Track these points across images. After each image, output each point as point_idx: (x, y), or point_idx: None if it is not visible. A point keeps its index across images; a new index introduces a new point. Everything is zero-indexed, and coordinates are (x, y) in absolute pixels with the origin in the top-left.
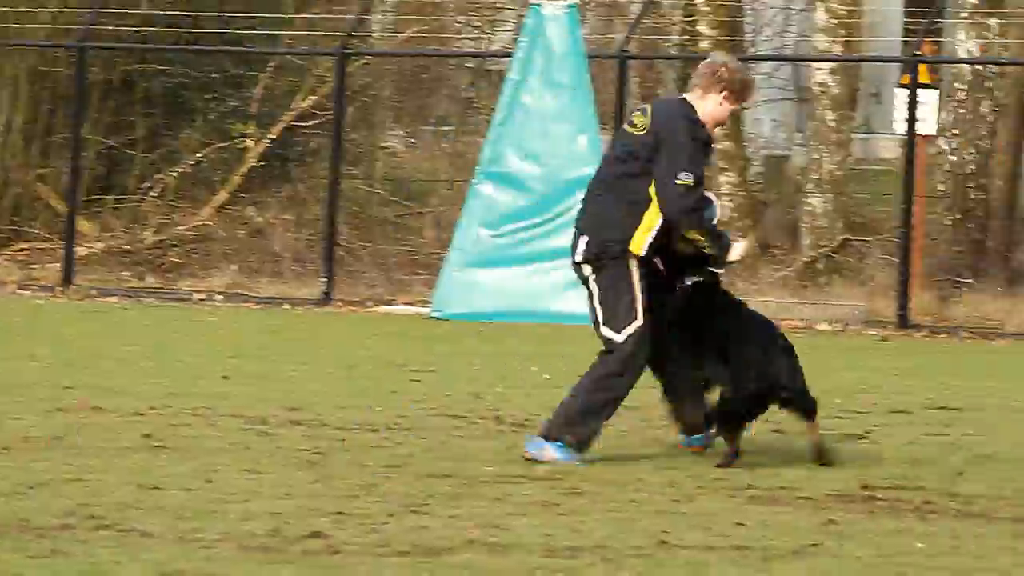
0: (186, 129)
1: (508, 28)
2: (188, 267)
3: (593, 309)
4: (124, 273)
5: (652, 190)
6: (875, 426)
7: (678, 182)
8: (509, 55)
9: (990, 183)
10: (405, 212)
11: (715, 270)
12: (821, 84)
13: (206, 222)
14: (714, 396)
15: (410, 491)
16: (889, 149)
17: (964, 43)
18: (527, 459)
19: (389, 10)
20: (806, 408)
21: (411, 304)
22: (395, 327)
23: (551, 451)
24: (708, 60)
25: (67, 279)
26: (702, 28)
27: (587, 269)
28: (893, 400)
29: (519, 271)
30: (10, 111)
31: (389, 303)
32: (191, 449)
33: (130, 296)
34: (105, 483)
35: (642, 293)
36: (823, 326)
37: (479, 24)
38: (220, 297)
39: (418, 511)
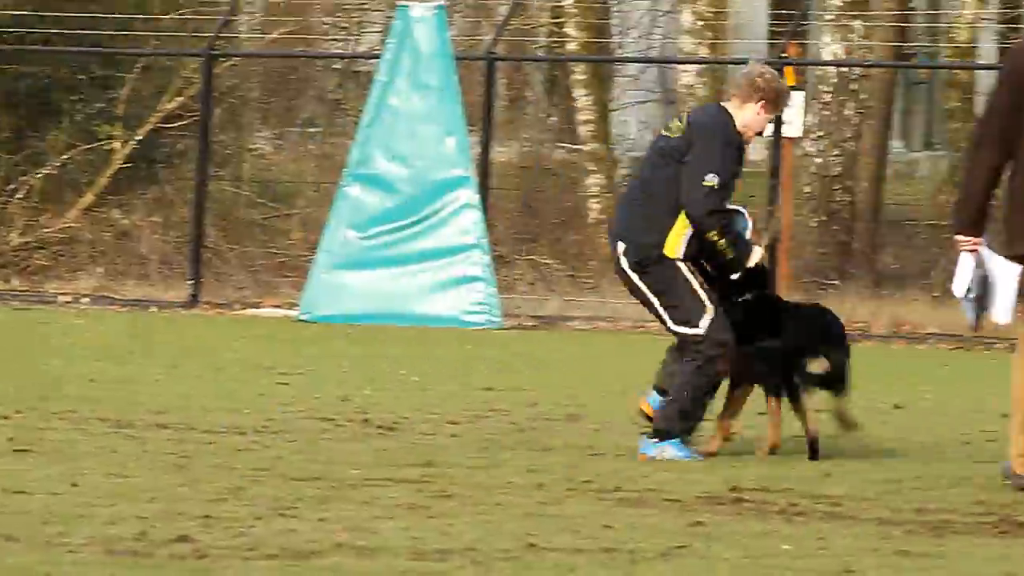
0: (52, 130)
1: (376, 30)
2: (54, 269)
3: (657, 314)
4: None
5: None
6: (742, 428)
7: (705, 183)
8: (377, 56)
9: (856, 185)
10: (273, 214)
11: (732, 276)
12: (687, 86)
13: (72, 224)
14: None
15: (278, 494)
16: (755, 151)
17: (829, 45)
18: (644, 460)
19: (257, 11)
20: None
21: (279, 306)
22: (263, 330)
23: (671, 450)
24: (745, 70)
25: None
26: (569, 30)
27: (634, 276)
28: (760, 402)
29: (387, 273)
30: None
31: (256, 305)
32: (57, 453)
33: None
34: None
35: (699, 282)
36: None
37: (346, 26)
38: (86, 300)
39: (286, 514)
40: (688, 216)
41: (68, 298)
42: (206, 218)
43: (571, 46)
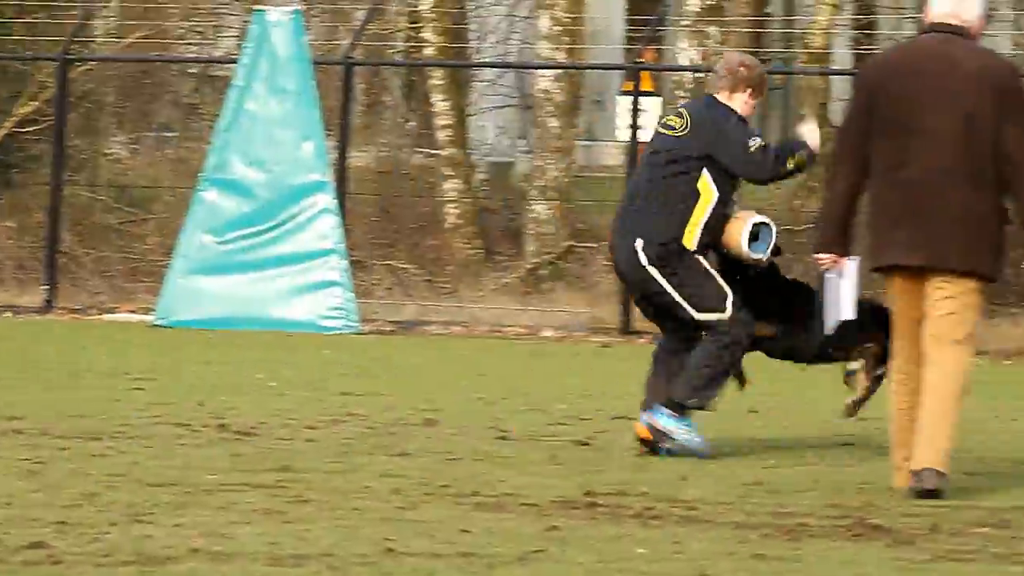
0: None
1: (232, 34)
2: None
3: (680, 307)
4: None
5: (700, 185)
6: (598, 432)
7: (751, 149)
8: (234, 61)
9: None
10: (128, 219)
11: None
12: (545, 91)
13: None
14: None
15: (134, 500)
16: (612, 156)
17: (685, 51)
18: (643, 437)
19: (112, 15)
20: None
21: (135, 312)
22: (119, 335)
23: (683, 433)
24: (723, 62)
25: None
26: (427, 35)
27: (654, 271)
28: (616, 406)
29: (244, 278)
30: None
31: (112, 311)
32: None
33: None
34: None
35: (717, 272)
36: (547, 332)
37: (203, 30)
38: None
39: (142, 520)
40: (764, 182)
41: None
42: (61, 223)
43: (429, 51)
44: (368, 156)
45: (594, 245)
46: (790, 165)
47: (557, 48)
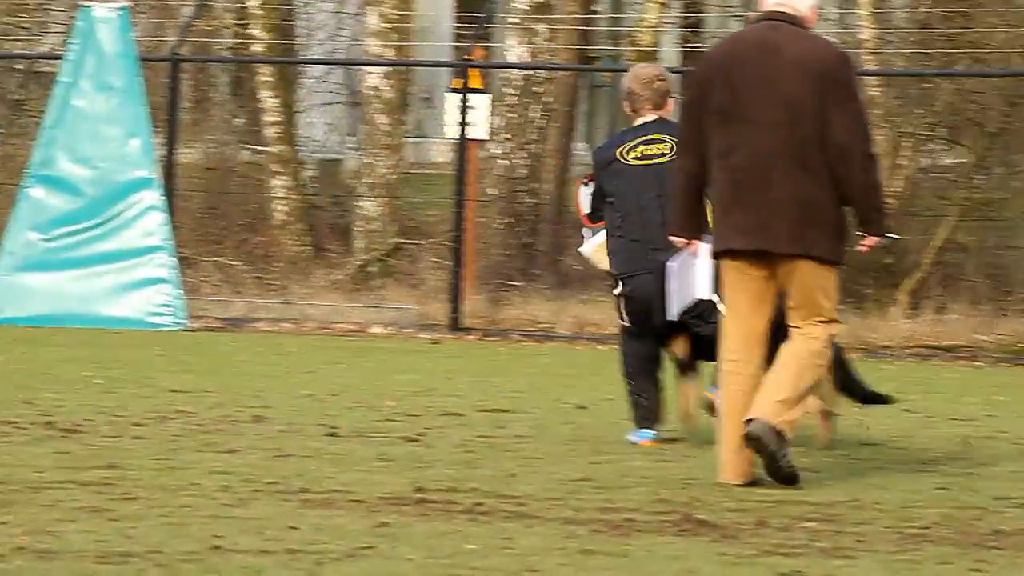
0: None
1: (58, 30)
2: None
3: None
4: None
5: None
6: (428, 429)
7: None
8: (59, 57)
9: (540, 187)
10: None
11: None
12: (373, 88)
13: None
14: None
15: None
16: (441, 153)
17: (514, 48)
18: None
19: None
20: None
21: None
22: None
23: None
24: (641, 79)
25: None
26: (254, 31)
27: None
28: (445, 403)
29: (70, 275)
30: None
31: None
32: None
33: None
34: None
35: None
36: (376, 329)
37: (28, 26)
38: None
39: None
40: None
41: None
42: None
43: (257, 47)
44: (196, 153)
45: (423, 242)
46: None
47: (386, 45)
